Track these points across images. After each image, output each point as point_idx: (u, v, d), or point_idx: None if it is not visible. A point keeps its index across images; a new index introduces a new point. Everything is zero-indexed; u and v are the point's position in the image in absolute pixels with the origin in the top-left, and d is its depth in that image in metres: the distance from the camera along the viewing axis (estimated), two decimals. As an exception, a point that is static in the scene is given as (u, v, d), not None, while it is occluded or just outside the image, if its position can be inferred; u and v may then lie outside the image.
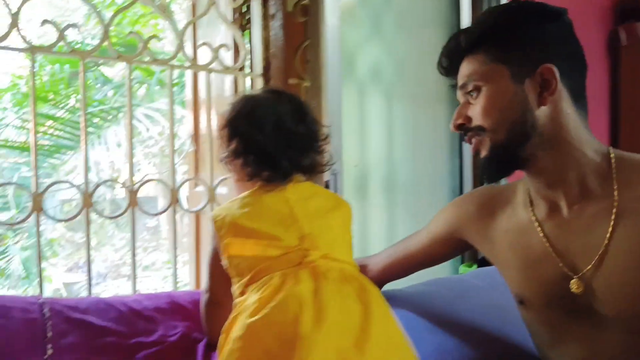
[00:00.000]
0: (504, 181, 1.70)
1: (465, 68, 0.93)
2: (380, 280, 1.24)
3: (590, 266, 0.88)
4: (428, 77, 1.94)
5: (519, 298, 1.02)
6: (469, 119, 0.92)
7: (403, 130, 1.85)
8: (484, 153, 0.91)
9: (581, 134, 0.89)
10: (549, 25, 0.88)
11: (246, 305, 0.86)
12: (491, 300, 1.48)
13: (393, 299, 1.39)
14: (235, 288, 0.94)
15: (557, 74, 0.86)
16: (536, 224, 0.95)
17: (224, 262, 0.95)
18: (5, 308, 0.93)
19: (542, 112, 0.87)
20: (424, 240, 1.20)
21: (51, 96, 3.56)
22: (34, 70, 1.20)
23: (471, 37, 0.92)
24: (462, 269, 2.00)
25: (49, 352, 0.89)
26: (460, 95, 0.95)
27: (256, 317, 0.82)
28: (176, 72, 4.05)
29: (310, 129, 1.02)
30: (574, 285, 0.90)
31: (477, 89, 0.90)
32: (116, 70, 4.60)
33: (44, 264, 4.06)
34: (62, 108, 3.54)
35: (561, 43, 0.89)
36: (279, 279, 0.87)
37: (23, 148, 3.42)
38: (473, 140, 0.93)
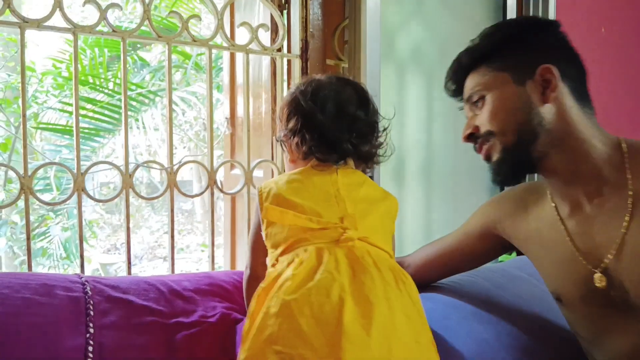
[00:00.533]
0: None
1: (469, 82, 0.96)
2: (417, 280, 1.23)
3: (611, 258, 0.88)
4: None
5: (555, 295, 1.02)
6: (477, 128, 0.95)
7: (443, 113, 1.80)
8: (495, 157, 0.93)
9: (589, 128, 0.90)
10: (543, 33, 0.93)
11: (280, 279, 0.84)
12: (531, 290, 1.43)
13: (431, 288, 1.36)
14: (269, 260, 0.94)
15: (557, 72, 0.89)
16: (560, 222, 0.95)
17: (264, 233, 0.95)
18: (49, 286, 0.93)
19: (547, 110, 0.89)
20: (460, 235, 1.19)
21: (90, 80, 3.62)
22: (77, 51, 1.21)
23: (472, 55, 0.95)
24: (502, 257, 1.95)
25: (91, 330, 0.90)
26: (467, 110, 0.99)
27: (293, 296, 0.80)
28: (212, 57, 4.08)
29: (371, 118, 1.02)
30: (597, 280, 0.89)
31: (482, 98, 0.93)
32: (153, 55, 4.65)
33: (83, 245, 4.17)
34: (101, 92, 3.59)
35: (557, 48, 0.92)
36: (315, 255, 0.85)
37: (64, 131, 3.49)
38: (484, 147, 0.94)
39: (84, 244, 3.86)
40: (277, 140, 1.04)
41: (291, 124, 0.98)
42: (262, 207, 0.94)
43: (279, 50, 1.49)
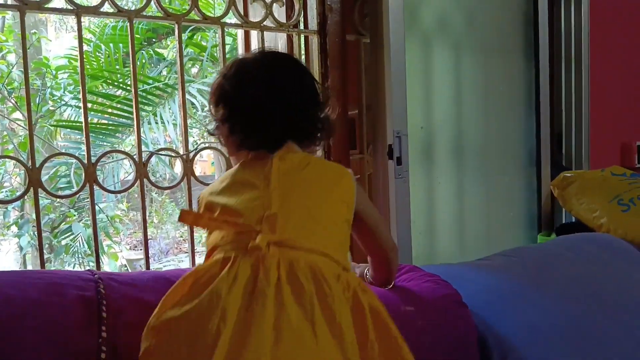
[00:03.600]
0: None
1: None
2: None
3: None
4: (501, 26, 1.76)
5: None
6: None
7: (473, 87, 1.69)
8: None
9: None
10: None
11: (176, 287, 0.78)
12: (579, 270, 1.34)
13: (473, 272, 1.27)
14: None
15: None
16: None
17: None
18: (58, 285, 0.86)
19: None
20: None
21: (107, 75, 3.59)
22: (81, 34, 1.14)
23: None
24: (540, 238, 1.85)
25: (104, 335, 0.82)
26: None
27: (173, 313, 0.74)
28: (227, 48, 4.00)
29: (308, 91, 0.90)
30: None
31: None
32: (169, 50, 4.60)
33: (108, 242, 4.16)
34: (118, 87, 3.55)
35: None
36: (218, 266, 0.76)
37: (82, 128, 3.46)
38: None
39: (109, 240, 3.79)
40: (210, 134, 0.92)
41: (219, 113, 0.88)
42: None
43: (295, 26, 1.40)
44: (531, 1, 1.81)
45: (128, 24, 1.18)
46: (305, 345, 0.69)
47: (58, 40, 4.60)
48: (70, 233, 3.35)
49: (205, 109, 4.64)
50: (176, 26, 1.23)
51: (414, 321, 0.94)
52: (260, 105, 0.85)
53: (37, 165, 1.09)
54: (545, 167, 1.88)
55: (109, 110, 3.46)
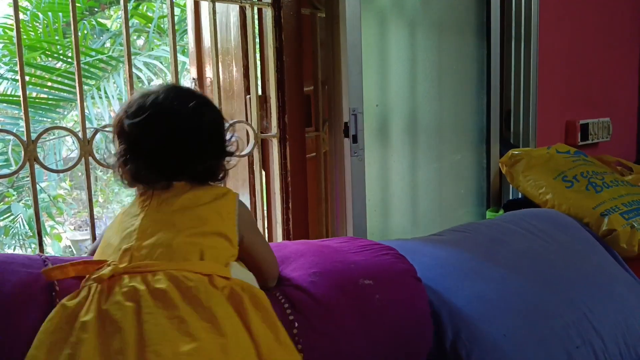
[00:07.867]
0: None
1: None
2: None
3: None
4: (455, 5, 1.77)
5: None
6: None
7: (427, 64, 1.69)
8: None
9: None
10: None
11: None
12: (530, 246, 1.38)
13: (427, 246, 1.29)
14: None
15: None
16: None
17: None
18: (4, 264, 0.83)
19: None
20: None
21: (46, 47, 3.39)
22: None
23: None
24: (489, 214, 1.90)
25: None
26: None
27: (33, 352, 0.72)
28: (175, 19, 3.86)
29: (210, 130, 0.91)
30: None
31: None
32: (112, 21, 4.39)
33: (51, 223, 3.99)
34: (58, 59, 3.37)
35: None
36: (77, 301, 0.76)
37: (20, 102, 3.28)
38: None
39: (52, 221, 3.64)
40: (111, 168, 0.92)
41: (118, 148, 0.89)
42: None
43: (249, -2, 1.36)
44: (484, -20, 1.83)
45: (69, -9, 1.10)
46: (169, 337, 0.71)
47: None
48: (9, 214, 3.19)
49: (152, 82, 4.50)
50: (122, -4, 1.16)
51: (372, 294, 0.95)
52: (159, 152, 0.86)
53: (-29, 142, 1.01)
54: (494, 144, 1.92)
55: (49, 83, 3.28)
